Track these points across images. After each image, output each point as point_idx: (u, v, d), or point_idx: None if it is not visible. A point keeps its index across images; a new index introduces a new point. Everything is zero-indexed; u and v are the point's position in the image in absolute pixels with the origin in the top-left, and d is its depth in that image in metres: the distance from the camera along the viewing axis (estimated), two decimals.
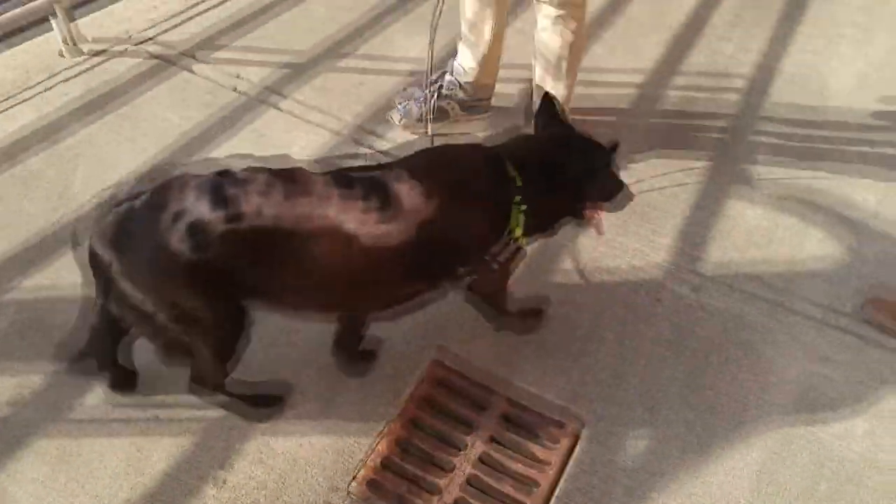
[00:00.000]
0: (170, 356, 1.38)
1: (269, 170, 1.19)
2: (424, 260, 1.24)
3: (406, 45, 2.55)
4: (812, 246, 1.93)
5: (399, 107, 2.15)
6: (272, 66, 2.40)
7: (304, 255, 1.15)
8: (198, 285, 1.14)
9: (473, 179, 1.31)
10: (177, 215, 1.10)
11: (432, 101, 2.03)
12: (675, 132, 2.29)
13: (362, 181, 1.20)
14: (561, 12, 1.90)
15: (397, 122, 2.14)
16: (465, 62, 2.10)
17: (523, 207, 1.32)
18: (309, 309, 1.42)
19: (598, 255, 1.84)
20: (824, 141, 2.30)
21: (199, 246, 1.10)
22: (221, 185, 1.13)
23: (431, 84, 2.12)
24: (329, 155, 2.06)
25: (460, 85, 2.12)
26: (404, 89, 2.23)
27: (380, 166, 1.28)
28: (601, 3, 2.89)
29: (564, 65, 1.99)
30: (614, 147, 1.45)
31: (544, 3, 1.90)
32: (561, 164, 1.38)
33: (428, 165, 1.30)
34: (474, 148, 1.47)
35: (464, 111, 2.15)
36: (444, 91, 2.12)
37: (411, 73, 2.38)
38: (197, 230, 1.10)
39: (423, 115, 2.06)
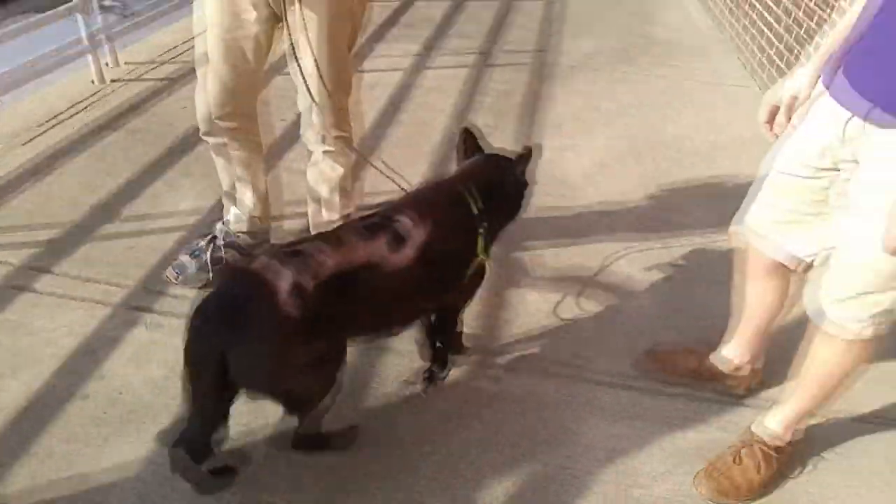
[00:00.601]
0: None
1: (313, 236, 1.56)
2: (433, 277, 1.55)
3: (175, 198, 2.52)
4: (590, 314, 2.13)
5: (175, 264, 2.10)
6: (25, 246, 2.24)
7: (361, 284, 1.42)
8: (312, 333, 1.33)
9: (451, 211, 1.62)
10: (275, 286, 1.30)
11: (208, 254, 2.01)
12: None
13: (379, 225, 1.50)
14: (331, 148, 1.96)
15: (174, 281, 2.07)
16: (238, 209, 2.12)
17: (481, 230, 1.61)
18: (375, 328, 1.63)
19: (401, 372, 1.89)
20: (577, 220, 2.61)
21: (305, 302, 1.31)
22: (290, 256, 1.37)
23: (206, 237, 2.12)
24: (100, 333, 1.93)
25: (236, 233, 2.12)
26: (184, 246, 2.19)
27: (384, 211, 1.56)
28: (364, 131, 3.09)
29: (338, 197, 2.05)
30: (529, 153, 1.75)
31: (314, 139, 1.95)
32: (499, 184, 1.70)
33: (417, 205, 1.58)
34: (444, 185, 1.74)
35: (243, 255, 2.14)
36: (219, 241, 2.10)
37: (185, 227, 2.34)
38: (297, 291, 1.31)
39: (202, 267, 2.04)
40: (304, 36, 1.73)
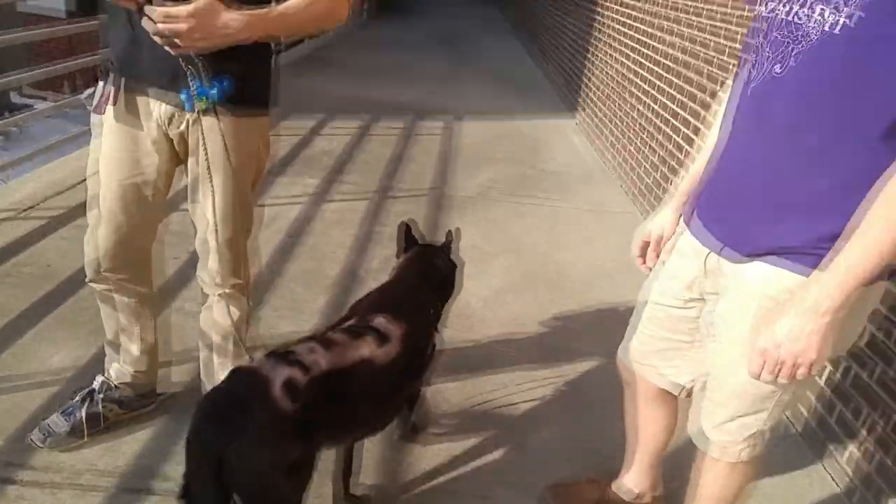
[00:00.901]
0: None
1: (307, 338, 1.58)
2: (411, 362, 1.74)
3: (47, 352, 2.32)
4: (494, 450, 2.10)
5: (42, 425, 1.90)
6: None
7: (352, 381, 1.54)
8: (299, 431, 1.38)
9: (414, 307, 1.83)
10: (269, 382, 1.37)
11: (83, 411, 1.87)
12: None
13: (362, 328, 1.65)
14: (228, 291, 1.87)
15: (41, 444, 1.87)
16: (122, 361, 1.98)
17: (433, 315, 1.90)
18: (362, 426, 1.70)
19: None
20: (477, 351, 2.63)
21: (296, 397, 1.38)
22: (284, 356, 1.46)
23: (82, 391, 1.97)
24: None
25: (117, 385, 1.97)
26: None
27: (361, 318, 1.70)
28: (262, 266, 3.05)
29: (232, 343, 1.94)
30: (452, 237, 2.09)
31: (210, 282, 1.87)
32: (438, 271, 2.00)
33: (385, 304, 1.78)
34: (403, 283, 1.95)
35: (125, 410, 1.99)
36: (97, 396, 1.95)
37: (57, 382, 2.16)
38: (291, 386, 1.38)
39: (76, 426, 1.87)
40: (208, 178, 1.69)
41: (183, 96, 1.57)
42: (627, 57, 5.22)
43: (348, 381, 1.51)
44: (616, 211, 4.36)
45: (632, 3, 5.31)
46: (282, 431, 1.36)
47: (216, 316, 1.91)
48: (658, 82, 4.40)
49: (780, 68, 1.10)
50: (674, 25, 4.23)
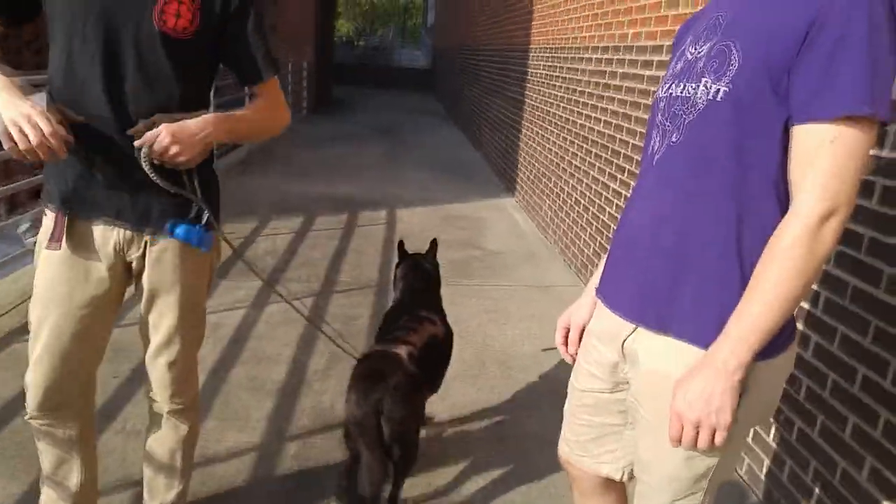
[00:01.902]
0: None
1: (393, 332, 2.29)
2: (448, 332, 2.52)
3: None
4: None
5: None
6: None
7: (432, 350, 2.30)
8: (419, 385, 2.16)
9: (431, 296, 2.65)
10: (397, 356, 2.12)
11: None
12: (297, 491, 2.32)
13: (418, 318, 2.38)
14: (177, 406, 1.80)
15: None
16: (57, 498, 1.85)
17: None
18: (437, 382, 2.47)
19: None
20: (431, 444, 2.58)
21: (414, 363, 2.12)
22: (394, 340, 2.21)
23: None
24: None
25: None
26: None
27: (410, 315, 2.39)
28: (206, 376, 2.97)
29: (179, 460, 1.87)
30: (435, 244, 2.82)
31: (159, 399, 1.80)
32: (428, 273, 2.70)
33: (417, 303, 2.51)
34: (415, 287, 2.61)
35: None
36: None
37: None
38: (410, 357, 2.13)
39: None
40: (164, 295, 1.66)
41: (180, 231, 1.61)
42: (556, 135, 5.45)
43: (431, 350, 2.25)
44: (560, 285, 4.43)
45: (554, 83, 5.58)
46: (414, 386, 2.07)
47: (164, 433, 1.85)
48: (587, 157, 4.58)
49: (676, 137, 1.19)
50: (597, 103, 4.45)
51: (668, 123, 1.22)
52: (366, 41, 37.82)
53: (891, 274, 1.84)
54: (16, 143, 1.35)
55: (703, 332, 1.15)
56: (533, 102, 6.42)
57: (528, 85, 6.65)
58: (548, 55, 5.91)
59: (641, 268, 1.25)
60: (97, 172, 1.55)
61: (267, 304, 3.90)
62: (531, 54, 6.60)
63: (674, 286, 1.20)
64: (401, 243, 2.77)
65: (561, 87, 5.39)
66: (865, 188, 1.93)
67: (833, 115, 1.03)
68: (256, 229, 5.38)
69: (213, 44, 1.61)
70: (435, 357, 2.32)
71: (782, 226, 1.07)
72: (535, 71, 6.41)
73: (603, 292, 1.38)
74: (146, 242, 1.63)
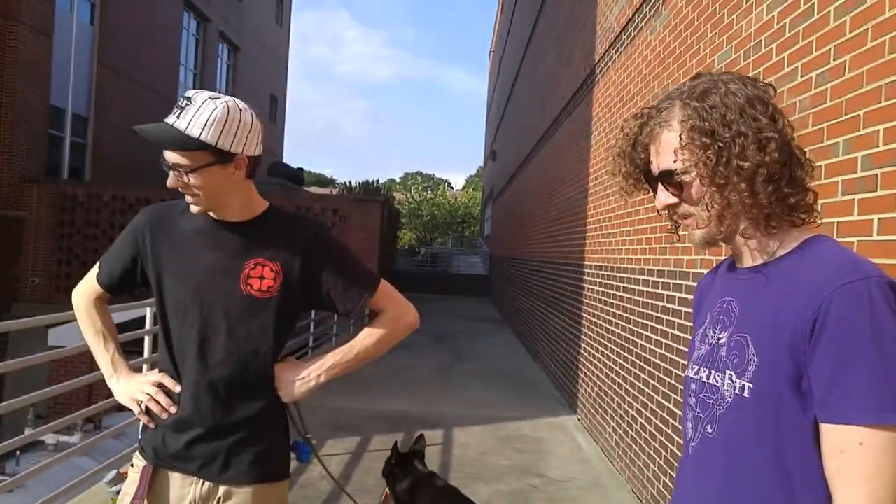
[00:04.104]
0: None
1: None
2: None
3: None
4: None
5: None
6: None
7: None
8: None
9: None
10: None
11: None
12: None
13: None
14: None
15: None
16: None
17: None
18: None
19: None
20: None
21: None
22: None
23: None
24: None
25: None
26: None
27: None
28: None
29: None
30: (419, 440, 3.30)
31: None
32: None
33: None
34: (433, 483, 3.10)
35: None
36: None
37: None
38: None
39: None
40: None
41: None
42: (617, 354, 5.33)
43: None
44: None
45: (611, 301, 5.58)
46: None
47: None
48: (650, 381, 4.41)
49: (711, 428, 1.16)
50: (657, 325, 4.37)
51: (699, 411, 1.20)
52: (426, 249, 39.73)
53: None
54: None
55: None
56: (590, 318, 6.39)
57: (585, 301, 6.67)
58: (603, 273, 5.98)
59: None
60: (189, 428, 1.67)
61: None
62: (586, 271, 6.71)
63: None
64: (395, 444, 3.34)
65: (618, 305, 5.37)
66: None
67: (856, 422, 0.99)
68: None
69: (298, 297, 1.71)
70: None
71: None
72: (591, 287, 6.47)
73: None
74: (220, 498, 1.68)
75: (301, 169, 21.99)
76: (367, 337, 1.77)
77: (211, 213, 1.68)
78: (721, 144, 1.10)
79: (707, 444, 1.17)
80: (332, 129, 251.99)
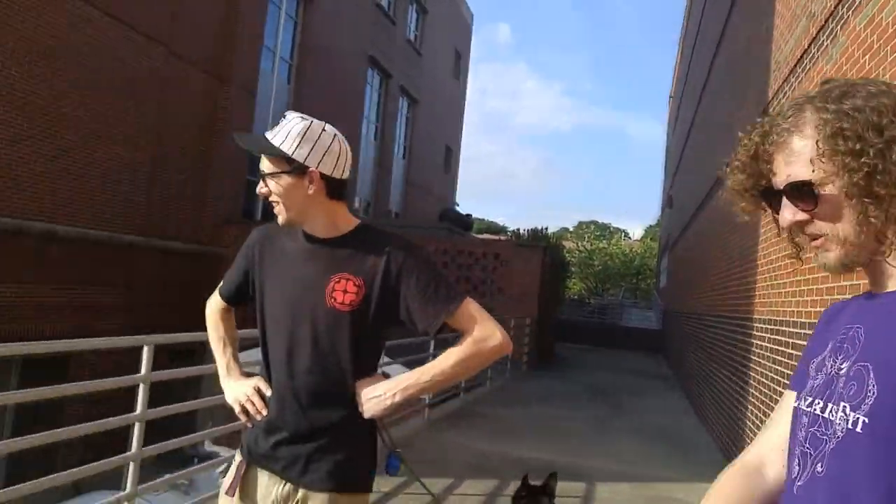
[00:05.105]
0: None
1: None
2: None
3: None
4: None
5: None
6: None
7: None
8: None
9: None
10: None
11: None
12: None
13: None
14: None
15: None
16: None
17: None
18: None
19: None
20: None
21: None
22: None
23: None
24: None
25: None
26: None
27: None
28: None
29: None
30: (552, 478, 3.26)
31: None
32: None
33: None
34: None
35: None
36: None
37: None
38: None
39: None
40: None
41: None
42: None
43: None
44: None
45: (780, 359, 5.03)
46: None
47: None
48: None
49: (822, 467, 1.03)
50: None
51: (808, 447, 1.06)
52: (597, 300, 38.69)
53: None
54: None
55: None
56: (758, 377, 5.80)
57: (753, 357, 6.08)
58: (772, 328, 5.43)
59: None
60: (276, 431, 1.76)
61: None
62: (755, 325, 6.13)
63: None
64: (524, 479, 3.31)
65: (786, 364, 4.83)
66: None
67: None
68: (448, 488, 5.21)
69: (380, 312, 1.74)
70: None
71: None
72: (759, 343, 5.88)
73: None
74: (298, 501, 1.74)
75: (469, 215, 22.57)
76: (447, 359, 1.73)
77: (305, 230, 1.76)
78: (873, 151, 0.96)
79: (814, 484, 1.03)
80: (508, 178, 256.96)
